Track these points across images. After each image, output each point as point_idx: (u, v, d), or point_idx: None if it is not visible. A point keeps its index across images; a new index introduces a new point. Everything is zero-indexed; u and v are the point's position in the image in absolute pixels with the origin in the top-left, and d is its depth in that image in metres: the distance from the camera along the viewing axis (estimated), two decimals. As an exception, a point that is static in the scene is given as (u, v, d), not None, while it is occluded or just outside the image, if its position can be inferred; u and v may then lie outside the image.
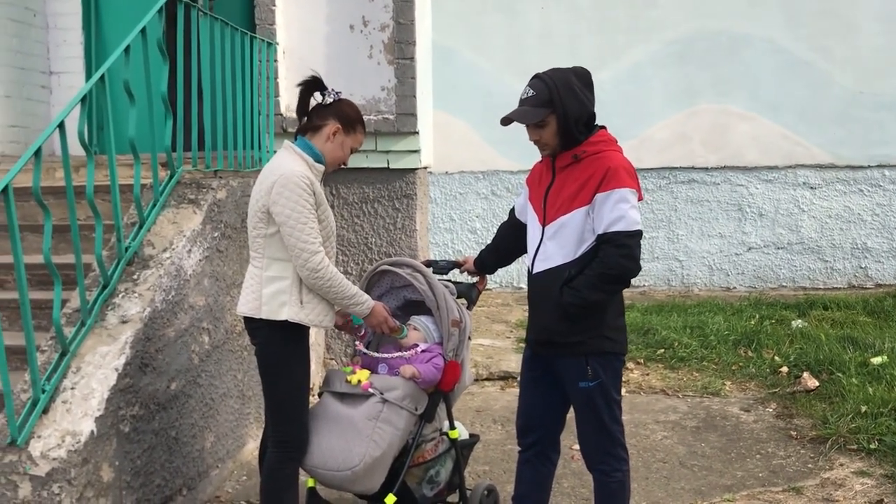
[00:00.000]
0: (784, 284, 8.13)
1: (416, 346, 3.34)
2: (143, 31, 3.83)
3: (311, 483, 3.31)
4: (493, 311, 7.53)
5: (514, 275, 8.20)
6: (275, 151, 5.34)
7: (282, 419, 3.15)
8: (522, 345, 3.51)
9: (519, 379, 3.33)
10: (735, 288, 8.15)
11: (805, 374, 5.43)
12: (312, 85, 3.19)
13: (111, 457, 3.23)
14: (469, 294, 3.57)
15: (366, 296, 3.21)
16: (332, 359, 5.84)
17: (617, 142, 3.06)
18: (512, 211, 3.45)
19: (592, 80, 3.03)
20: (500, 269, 3.66)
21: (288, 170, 3.02)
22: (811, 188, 8.05)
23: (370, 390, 3.18)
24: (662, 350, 6.23)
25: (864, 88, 7.87)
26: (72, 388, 3.21)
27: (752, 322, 6.71)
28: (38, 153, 3.05)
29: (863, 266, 8.06)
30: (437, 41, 7.13)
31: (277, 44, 5.60)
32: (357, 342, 3.48)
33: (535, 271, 3.09)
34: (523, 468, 3.30)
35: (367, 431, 3.09)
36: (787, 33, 7.88)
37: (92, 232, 3.69)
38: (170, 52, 4.07)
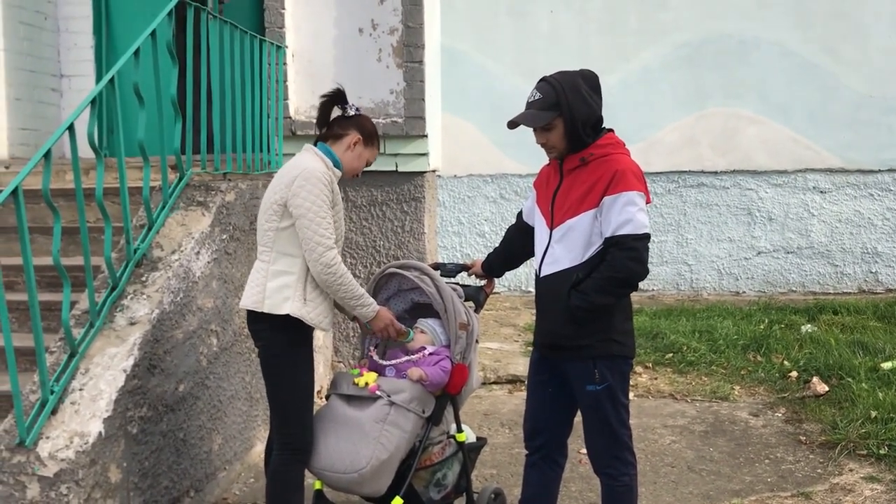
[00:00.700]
0: (794, 289, 8.09)
1: (424, 348, 3.34)
2: (152, 34, 3.85)
3: (317, 485, 3.31)
4: (500, 315, 7.53)
5: (521, 278, 8.18)
6: (283, 154, 5.38)
7: (286, 422, 3.15)
8: (530, 348, 3.50)
9: (526, 382, 3.33)
10: (744, 292, 8.12)
11: (814, 379, 5.40)
12: (336, 97, 3.31)
13: (119, 458, 3.24)
14: (477, 297, 3.59)
15: (372, 299, 3.23)
16: (339, 361, 5.84)
17: (625, 145, 3.05)
18: (520, 214, 3.45)
19: (600, 83, 3.02)
20: (507, 273, 3.67)
21: (311, 166, 3.12)
22: (821, 192, 8.02)
23: (377, 393, 3.18)
24: (671, 354, 6.22)
25: (874, 92, 7.84)
26: (80, 390, 3.22)
27: (762, 326, 6.69)
28: (48, 155, 3.06)
29: (873, 271, 8.02)
30: (445, 44, 7.14)
31: (286, 47, 5.62)
32: (370, 348, 3.49)
33: (542, 274, 3.08)
34: (530, 471, 3.30)
35: (375, 434, 3.09)
36: (797, 36, 7.85)
37: (101, 234, 3.70)
38: (179, 55, 4.09)
